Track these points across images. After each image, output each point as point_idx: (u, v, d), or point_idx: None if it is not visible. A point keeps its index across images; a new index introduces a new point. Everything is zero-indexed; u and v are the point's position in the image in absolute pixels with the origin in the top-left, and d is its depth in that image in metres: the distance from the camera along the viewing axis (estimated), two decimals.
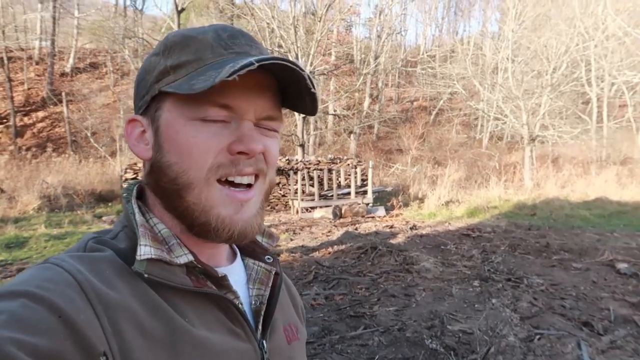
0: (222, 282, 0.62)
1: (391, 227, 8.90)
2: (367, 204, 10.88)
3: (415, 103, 27.47)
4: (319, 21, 16.31)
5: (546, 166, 16.60)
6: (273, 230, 0.80)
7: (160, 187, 0.62)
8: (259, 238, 0.77)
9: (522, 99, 15.32)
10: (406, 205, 11.38)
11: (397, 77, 28.19)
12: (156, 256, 0.56)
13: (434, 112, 25.39)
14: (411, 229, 8.67)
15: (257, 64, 0.53)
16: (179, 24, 21.79)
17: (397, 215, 10.36)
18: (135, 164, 10.27)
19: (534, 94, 15.79)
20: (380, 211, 10.41)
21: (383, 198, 12.04)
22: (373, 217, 10.04)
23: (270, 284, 0.71)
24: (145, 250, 0.56)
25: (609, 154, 18.62)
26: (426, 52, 27.30)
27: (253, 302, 0.69)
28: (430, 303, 4.57)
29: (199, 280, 0.60)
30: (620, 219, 9.93)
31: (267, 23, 16.85)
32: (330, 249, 7.07)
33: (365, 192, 11.86)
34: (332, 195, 11.50)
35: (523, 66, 17.29)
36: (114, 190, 13.40)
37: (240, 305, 0.63)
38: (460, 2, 33.57)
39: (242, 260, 0.74)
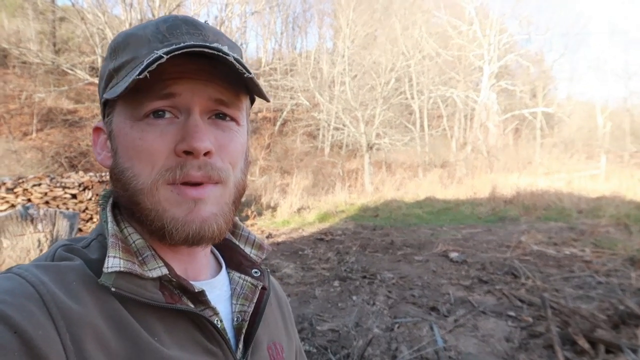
0: (199, 298, 0.58)
1: None
2: None
3: (260, 114, 27.88)
4: None
5: (382, 171, 18.24)
6: (264, 241, 0.76)
7: (118, 193, 0.59)
8: (247, 250, 0.73)
9: (359, 110, 16.62)
10: (260, 214, 11.47)
11: None
12: (125, 269, 0.52)
13: (278, 123, 26.05)
14: (267, 237, 8.78)
15: (166, 57, 0.50)
16: None
17: (252, 225, 10.38)
18: None
19: (369, 105, 17.25)
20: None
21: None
22: None
23: (255, 300, 0.66)
24: (114, 263, 0.52)
25: (431, 158, 21.19)
26: (268, 65, 27.94)
27: (235, 319, 0.65)
28: (297, 307, 4.68)
29: (172, 296, 0.56)
30: (447, 215, 11.39)
31: (99, 28, 15.58)
32: None
33: None
34: None
35: (358, 80, 18.79)
36: None
37: (218, 323, 0.60)
38: (297, 19, 35.07)
39: (228, 273, 0.70)
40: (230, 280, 0.69)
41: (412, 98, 22.90)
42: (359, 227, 9.77)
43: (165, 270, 0.56)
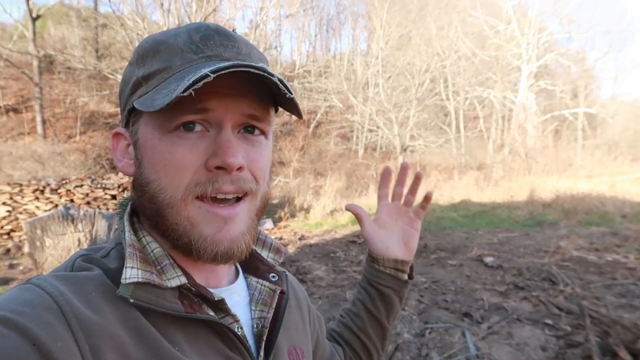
0: (219, 306, 0.58)
1: (280, 238, 8.95)
2: None
3: (294, 116, 28.06)
4: None
5: None
6: (281, 245, 0.75)
7: (142, 204, 0.58)
8: (264, 254, 0.72)
9: (393, 112, 16.48)
10: (293, 216, 11.53)
11: None
12: (143, 279, 0.52)
13: (312, 125, 26.14)
14: (300, 239, 8.81)
15: (213, 76, 0.48)
16: (34, 33, 19.78)
17: (285, 226, 10.45)
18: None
19: (403, 107, 17.08)
20: (268, 224, 10.42)
21: (270, 210, 12.05)
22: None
23: (274, 305, 0.66)
24: (132, 273, 0.52)
25: (467, 160, 20.76)
26: (302, 67, 28.10)
27: (255, 326, 0.64)
28: (328, 310, 4.68)
29: (192, 305, 0.56)
30: (482, 218, 11.14)
31: (139, 34, 16.06)
32: None
33: None
34: None
35: (392, 81, 18.64)
36: None
37: (239, 330, 0.59)
38: (331, 21, 35.15)
39: (245, 278, 0.69)
40: (248, 285, 0.69)
41: (448, 99, 22.53)
42: None
43: (184, 280, 0.55)
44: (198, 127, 0.55)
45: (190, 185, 0.54)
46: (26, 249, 7.08)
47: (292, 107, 0.58)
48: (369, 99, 18.21)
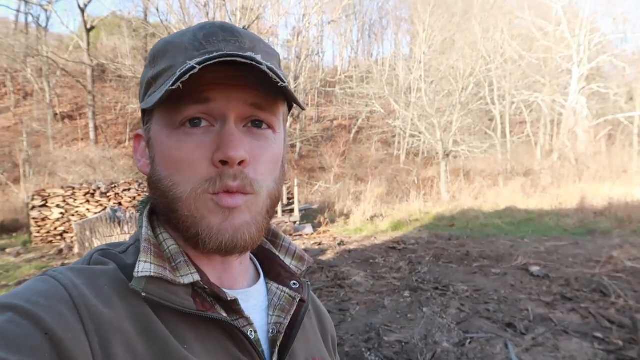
0: (232, 307, 0.57)
1: (320, 244, 8.96)
2: (295, 222, 10.89)
3: (335, 122, 28.16)
4: None
5: (460, 179, 17.64)
6: (305, 253, 0.75)
7: (158, 200, 0.59)
8: (287, 261, 0.72)
9: (436, 117, 16.22)
10: (333, 221, 11.52)
11: (316, 96, 28.75)
12: (156, 274, 0.52)
13: (353, 130, 26.11)
14: (339, 244, 8.78)
15: (198, 67, 0.49)
16: (88, 43, 20.79)
17: (324, 232, 10.45)
18: (44, 190, 9.49)
19: (446, 112, 16.79)
20: (308, 229, 10.45)
21: (310, 216, 12.11)
22: (301, 235, 10.05)
23: (292, 312, 0.64)
24: (145, 267, 0.52)
25: (513, 166, 20.15)
26: (344, 73, 28.14)
27: (270, 331, 0.63)
28: (365, 316, 4.64)
29: (204, 303, 0.55)
30: (529, 226, 10.75)
31: None
32: None
33: (292, 211, 11.91)
34: None
35: (434, 86, 18.36)
36: (18, 219, 12.28)
37: (252, 334, 0.58)
38: (373, 26, 35.10)
39: (266, 284, 0.69)
40: (268, 290, 0.68)
41: (493, 103, 21.97)
42: (433, 237, 9.49)
43: (197, 277, 0.55)
44: (204, 123, 0.55)
45: (202, 181, 0.54)
46: (76, 250, 7.41)
47: (292, 98, 0.57)
48: (411, 104, 18.01)
